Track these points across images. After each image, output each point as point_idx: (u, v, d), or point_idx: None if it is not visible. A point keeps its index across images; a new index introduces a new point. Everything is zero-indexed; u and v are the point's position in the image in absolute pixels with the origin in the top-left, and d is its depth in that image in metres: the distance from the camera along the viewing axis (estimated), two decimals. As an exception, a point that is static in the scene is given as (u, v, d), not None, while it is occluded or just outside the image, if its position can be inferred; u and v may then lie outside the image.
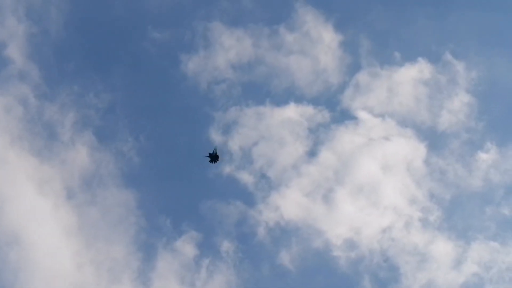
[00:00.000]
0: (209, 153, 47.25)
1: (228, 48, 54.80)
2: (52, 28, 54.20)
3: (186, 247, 48.99)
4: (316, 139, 53.37)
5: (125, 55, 55.76)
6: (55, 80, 53.83)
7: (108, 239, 49.03)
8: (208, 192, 51.74)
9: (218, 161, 47.42)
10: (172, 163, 52.84)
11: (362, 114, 53.53)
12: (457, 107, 53.50)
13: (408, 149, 52.70)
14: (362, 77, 54.99)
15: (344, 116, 54.12)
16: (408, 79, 54.47)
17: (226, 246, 49.17)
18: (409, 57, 55.79)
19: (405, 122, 53.70)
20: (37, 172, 50.32)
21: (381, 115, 53.84)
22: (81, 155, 51.40)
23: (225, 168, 51.40)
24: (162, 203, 51.00)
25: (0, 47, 52.53)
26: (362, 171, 52.17)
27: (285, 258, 49.05)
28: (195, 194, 52.19)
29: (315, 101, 54.56)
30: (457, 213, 50.76)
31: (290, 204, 50.72)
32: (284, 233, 50.05)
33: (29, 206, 48.76)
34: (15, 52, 53.15)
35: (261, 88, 54.93)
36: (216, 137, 52.11)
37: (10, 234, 47.39)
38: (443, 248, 49.08)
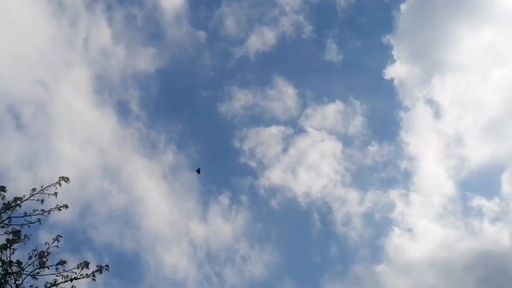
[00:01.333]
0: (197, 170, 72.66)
1: (240, 98, 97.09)
2: (152, 91, 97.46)
3: (224, 200, 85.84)
4: (287, 142, 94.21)
5: (187, 105, 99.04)
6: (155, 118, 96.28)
7: (184, 198, 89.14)
8: (234, 171, 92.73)
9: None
10: (217, 160, 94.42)
11: (310, 129, 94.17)
12: (358, 123, 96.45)
13: (332, 146, 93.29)
14: (308, 110, 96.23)
15: (300, 131, 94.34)
16: (334, 110, 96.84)
17: (244, 198, 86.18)
18: (331, 101, 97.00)
19: (331, 132, 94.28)
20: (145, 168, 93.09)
21: (319, 129, 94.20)
22: (169, 156, 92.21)
23: (241, 159, 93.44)
24: (212, 178, 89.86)
25: (125, 103, 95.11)
26: (310, 157, 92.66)
27: (274, 203, 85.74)
28: (228, 173, 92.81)
29: (285, 123, 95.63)
30: (359, 177, 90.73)
31: (276, 176, 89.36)
32: (273, 191, 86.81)
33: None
34: (134, 105, 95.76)
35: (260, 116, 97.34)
36: (236, 143, 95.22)
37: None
38: (352, 195, 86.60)
